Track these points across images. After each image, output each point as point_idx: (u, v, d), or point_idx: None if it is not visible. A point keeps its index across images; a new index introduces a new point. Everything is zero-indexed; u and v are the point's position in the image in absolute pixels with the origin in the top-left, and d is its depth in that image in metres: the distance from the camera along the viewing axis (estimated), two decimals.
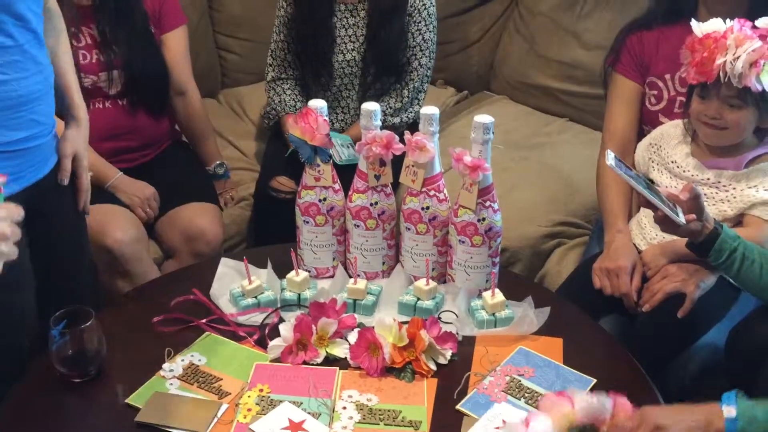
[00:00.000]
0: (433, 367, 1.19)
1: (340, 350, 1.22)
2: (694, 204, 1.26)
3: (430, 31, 2.02)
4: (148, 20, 1.86)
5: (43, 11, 1.28)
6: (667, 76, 1.61)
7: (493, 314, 1.29)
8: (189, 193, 1.90)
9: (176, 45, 1.94)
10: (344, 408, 1.12)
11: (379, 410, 1.11)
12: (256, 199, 2.02)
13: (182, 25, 1.96)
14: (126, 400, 1.12)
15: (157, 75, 1.89)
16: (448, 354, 1.20)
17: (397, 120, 2.03)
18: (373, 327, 1.21)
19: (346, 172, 1.43)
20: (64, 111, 1.40)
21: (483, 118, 1.27)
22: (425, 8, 1.99)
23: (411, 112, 2.05)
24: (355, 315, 1.29)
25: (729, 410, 1.00)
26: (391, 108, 2.02)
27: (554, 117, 2.36)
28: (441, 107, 2.48)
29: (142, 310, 1.31)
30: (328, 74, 2.02)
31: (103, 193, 1.77)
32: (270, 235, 1.88)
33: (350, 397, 1.14)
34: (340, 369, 1.20)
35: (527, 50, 2.41)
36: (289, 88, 2.06)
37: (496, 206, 1.31)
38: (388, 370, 1.19)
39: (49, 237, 1.34)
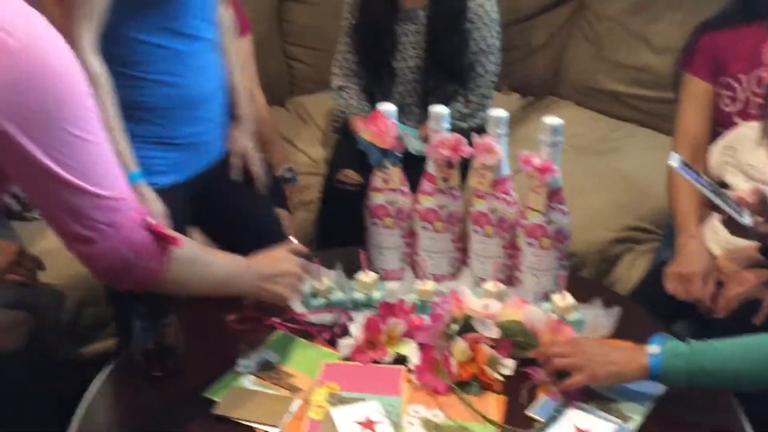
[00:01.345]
0: (500, 377, 1.17)
1: (409, 349, 1.23)
2: (763, 206, 1.22)
3: (493, 37, 2.02)
4: None
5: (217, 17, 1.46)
6: (742, 77, 1.57)
7: (563, 317, 1.28)
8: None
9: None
10: (411, 424, 1.10)
11: (447, 426, 1.10)
12: (324, 192, 2.05)
13: (247, 34, 2.00)
14: (204, 394, 1.16)
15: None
16: (510, 364, 1.19)
17: (465, 125, 2.03)
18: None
19: (413, 172, 1.44)
20: (232, 108, 1.57)
21: (552, 119, 1.27)
22: (487, 14, 2.00)
23: (479, 118, 2.06)
24: (424, 316, 1.30)
25: (654, 348, 1.08)
26: (459, 113, 2.03)
27: (623, 122, 2.33)
28: (507, 112, 2.47)
29: (217, 308, 1.34)
30: (391, 80, 2.05)
31: None
32: (337, 226, 1.91)
33: (417, 412, 1.13)
34: (407, 369, 1.21)
35: (594, 55, 2.39)
36: (355, 94, 2.10)
37: (565, 209, 1.31)
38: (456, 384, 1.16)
39: (235, 213, 1.57)
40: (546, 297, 1.34)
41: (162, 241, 0.97)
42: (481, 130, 2.06)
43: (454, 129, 1.84)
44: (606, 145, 2.20)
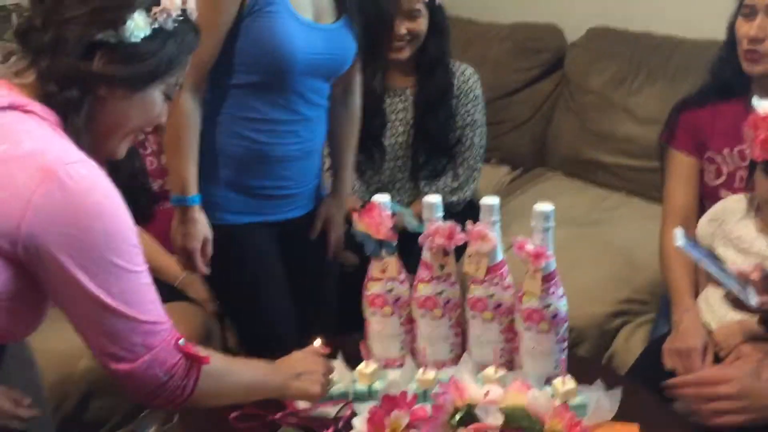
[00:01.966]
0: None
1: None
2: (766, 283, 1.25)
3: (479, 112, 2.09)
4: None
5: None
6: (726, 151, 1.61)
7: (565, 402, 1.28)
8: None
9: None
10: None
11: None
12: None
13: None
14: None
15: None
16: None
17: (454, 198, 2.08)
18: None
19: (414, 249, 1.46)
20: (334, 182, 1.78)
21: (543, 206, 1.29)
22: (471, 90, 2.07)
23: (468, 191, 2.10)
24: (426, 406, 1.30)
25: None
26: (448, 187, 2.08)
27: (612, 191, 2.37)
28: (496, 185, 2.52)
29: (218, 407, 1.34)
30: (381, 157, 2.10)
31: (172, 290, 1.85)
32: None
33: None
34: None
35: (579, 127, 2.45)
36: None
37: (560, 291, 1.33)
38: None
39: (303, 262, 1.71)
40: (548, 381, 1.34)
41: (193, 360, 1.04)
42: (470, 202, 2.13)
43: (444, 203, 1.93)
44: (596, 216, 2.24)
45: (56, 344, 1.62)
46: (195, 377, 1.05)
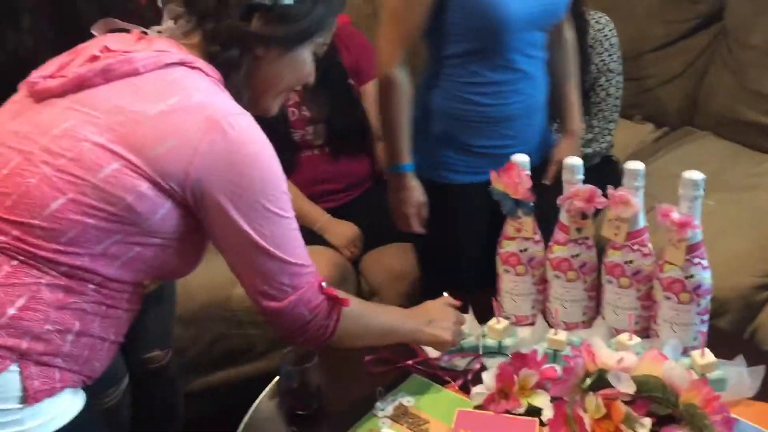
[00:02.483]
0: None
1: (542, 401, 1.25)
2: None
3: (614, 61, 2.02)
4: (347, 76, 2.01)
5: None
6: None
7: (703, 375, 1.25)
8: (390, 232, 2.01)
9: (374, 95, 2.07)
10: None
11: None
12: None
13: (372, 78, 2.06)
14: None
15: (357, 126, 2.04)
16: (648, 423, 1.17)
17: (589, 150, 2.03)
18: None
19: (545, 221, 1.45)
20: (563, 123, 1.74)
21: (692, 174, 1.24)
22: (607, 39, 2.01)
23: (603, 143, 2.04)
24: (556, 367, 1.31)
25: None
26: (582, 139, 2.01)
27: (766, 155, 2.21)
28: (640, 144, 2.42)
29: (357, 350, 1.41)
30: None
31: (313, 235, 1.94)
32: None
33: None
34: (539, 421, 1.22)
35: (737, 84, 2.29)
36: None
37: (705, 263, 1.28)
38: None
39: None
40: (685, 352, 1.31)
41: (334, 302, 1.11)
42: (606, 158, 2.06)
43: (579, 155, 1.84)
44: (748, 181, 2.10)
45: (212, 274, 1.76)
46: (336, 318, 1.11)
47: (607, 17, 2.03)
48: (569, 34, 1.71)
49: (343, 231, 2.00)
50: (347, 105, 2.02)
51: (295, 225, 1.06)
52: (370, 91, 2.07)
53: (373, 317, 1.23)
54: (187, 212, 1.01)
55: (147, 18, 1.11)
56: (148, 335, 1.61)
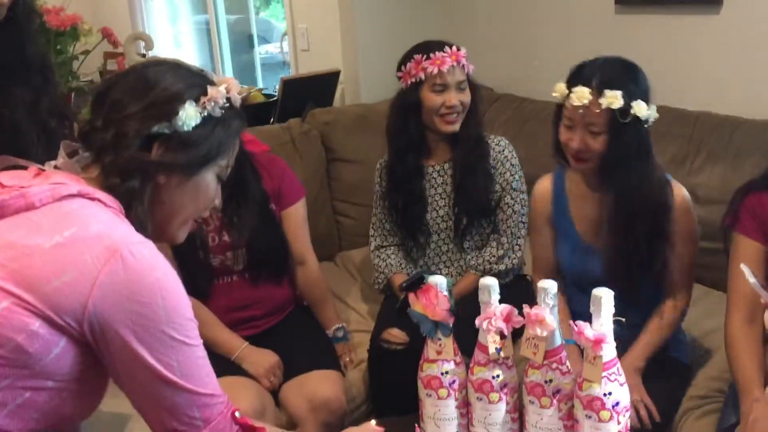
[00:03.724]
0: None
1: None
2: None
3: (516, 180, 2.11)
4: (269, 201, 2.02)
5: None
6: None
7: None
8: (313, 359, 1.97)
9: (295, 219, 2.08)
10: None
11: None
12: (371, 352, 2.06)
13: (300, 200, 2.09)
14: None
15: (278, 250, 2.03)
16: None
17: (501, 267, 2.08)
18: None
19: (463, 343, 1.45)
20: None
21: (602, 291, 1.27)
22: (507, 160, 2.11)
23: (514, 258, 2.10)
24: None
25: None
26: (494, 257, 2.09)
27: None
28: None
29: None
30: (425, 233, 2.14)
31: (229, 365, 1.86)
32: (387, 386, 1.93)
33: None
34: None
35: None
36: (393, 253, 2.19)
37: (622, 379, 1.29)
38: None
39: None
40: None
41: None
42: (517, 273, 2.11)
43: (492, 273, 1.97)
44: None
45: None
46: None
47: (506, 140, 2.14)
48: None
49: (262, 359, 1.93)
50: (269, 229, 2.01)
51: (202, 353, 1.02)
52: (291, 216, 2.07)
53: None
54: (85, 350, 0.96)
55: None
56: None
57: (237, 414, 1.05)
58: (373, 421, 1.33)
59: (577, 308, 1.75)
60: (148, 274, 0.96)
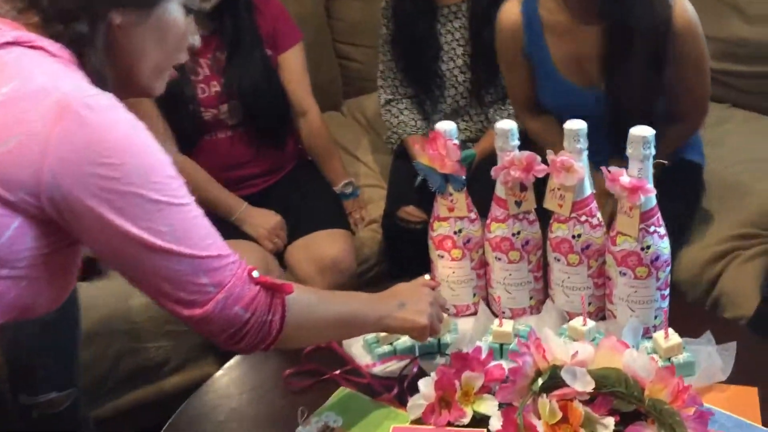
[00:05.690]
0: None
1: (489, 407, 1.08)
2: None
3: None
4: (263, 45, 1.80)
5: None
6: None
7: (669, 359, 1.09)
8: (319, 219, 1.83)
9: (293, 65, 1.88)
10: None
11: None
12: (385, 229, 1.91)
13: (298, 43, 1.89)
14: None
15: (276, 100, 1.84)
16: (611, 423, 1.00)
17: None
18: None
19: (483, 199, 1.27)
20: None
21: (642, 130, 1.08)
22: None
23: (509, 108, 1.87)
24: (503, 363, 1.14)
25: None
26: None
27: (713, 103, 2.08)
28: None
29: (273, 360, 1.23)
30: (441, 85, 1.90)
31: (229, 227, 1.72)
32: (406, 261, 1.77)
33: None
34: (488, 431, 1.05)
35: None
36: (405, 108, 1.96)
37: (662, 231, 1.12)
38: None
39: None
40: (646, 333, 1.16)
41: (273, 291, 0.93)
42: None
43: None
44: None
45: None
46: (281, 311, 0.93)
47: None
48: None
49: (264, 220, 1.80)
50: (265, 77, 1.80)
51: (196, 211, 0.87)
52: (289, 61, 1.85)
53: (328, 303, 1.04)
54: (47, 230, 0.81)
55: None
56: (39, 375, 1.39)
57: (255, 273, 0.91)
58: (426, 276, 1.21)
59: None
60: (111, 129, 0.80)
